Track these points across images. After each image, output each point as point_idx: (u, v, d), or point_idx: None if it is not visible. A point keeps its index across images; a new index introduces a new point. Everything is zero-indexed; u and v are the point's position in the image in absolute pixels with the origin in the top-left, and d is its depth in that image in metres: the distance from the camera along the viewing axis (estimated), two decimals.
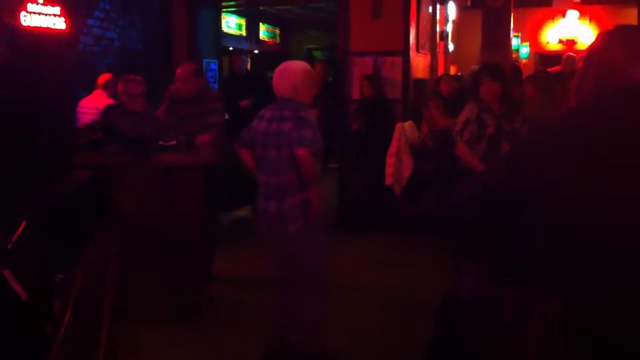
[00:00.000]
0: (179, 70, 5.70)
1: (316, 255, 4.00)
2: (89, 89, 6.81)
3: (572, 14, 12.70)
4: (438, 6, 9.68)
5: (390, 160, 7.26)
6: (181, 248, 4.84)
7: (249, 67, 10.01)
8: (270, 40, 15.05)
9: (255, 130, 4.05)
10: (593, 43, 1.91)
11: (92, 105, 6.43)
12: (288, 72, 4.02)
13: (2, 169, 2.63)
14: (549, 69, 9.71)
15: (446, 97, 7.32)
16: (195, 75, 5.67)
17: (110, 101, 6.37)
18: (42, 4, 6.52)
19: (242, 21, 13.28)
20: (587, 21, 12.71)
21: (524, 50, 13.22)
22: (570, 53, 11.12)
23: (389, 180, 7.27)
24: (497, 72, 4.96)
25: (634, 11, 9.86)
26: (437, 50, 9.77)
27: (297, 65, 4.10)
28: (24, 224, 2.63)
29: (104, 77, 6.80)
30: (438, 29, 9.79)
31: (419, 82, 8.39)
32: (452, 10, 10.83)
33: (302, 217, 3.90)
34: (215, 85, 9.16)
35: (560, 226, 1.70)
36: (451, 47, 10.99)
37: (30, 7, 6.38)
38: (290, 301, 4.07)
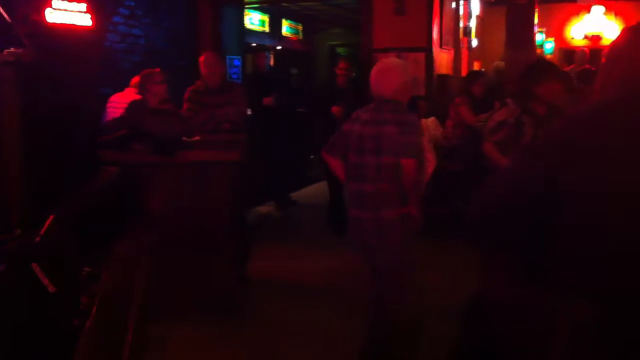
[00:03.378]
0: (203, 58, 5.76)
1: (408, 267, 3.83)
2: (114, 87, 6.85)
3: (598, 10, 12.56)
4: (462, 2, 9.63)
5: None
6: (210, 245, 4.83)
7: (271, 64, 10.03)
8: (293, 36, 15.04)
9: (348, 134, 3.81)
10: (617, 39, 1.89)
11: (122, 100, 6.47)
12: (391, 71, 3.77)
13: (36, 166, 2.68)
14: (566, 68, 9.59)
15: (477, 96, 7.23)
16: (220, 61, 5.77)
17: (137, 97, 6.41)
18: (67, 1, 6.57)
19: (266, 18, 13.29)
20: (613, 17, 12.56)
21: (549, 46, 13.09)
22: (584, 48, 11.02)
23: None
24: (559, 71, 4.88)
25: None
26: (461, 46, 9.72)
27: (398, 64, 3.87)
28: (51, 217, 2.67)
29: (136, 79, 6.86)
30: (461, 24, 9.74)
31: (443, 78, 8.36)
32: (475, 5, 10.76)
33: (400, 230, 3.71)
34: (239, 82, 9.19)
35: (589, 225, 1.69)
36: (475, 43, 10.92)
37: (56, 3, 6.43)
38: (382, 310, 3.91)
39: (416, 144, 3.66)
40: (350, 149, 3.77)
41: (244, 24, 10.28)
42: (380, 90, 3.74)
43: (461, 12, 9.67)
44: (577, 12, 12.91)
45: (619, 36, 1.88)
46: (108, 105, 6.62)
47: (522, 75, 4.80)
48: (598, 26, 12.65)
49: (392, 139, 3.60)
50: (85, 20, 6.79)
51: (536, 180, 1.80)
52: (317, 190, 9.46)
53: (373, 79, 3.78)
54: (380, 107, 3.73)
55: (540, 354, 1.74)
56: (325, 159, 3.97)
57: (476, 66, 10.88)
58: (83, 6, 6.75)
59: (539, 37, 11.55)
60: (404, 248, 3.77)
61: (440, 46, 8.34)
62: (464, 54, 10.09)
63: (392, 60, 3.96)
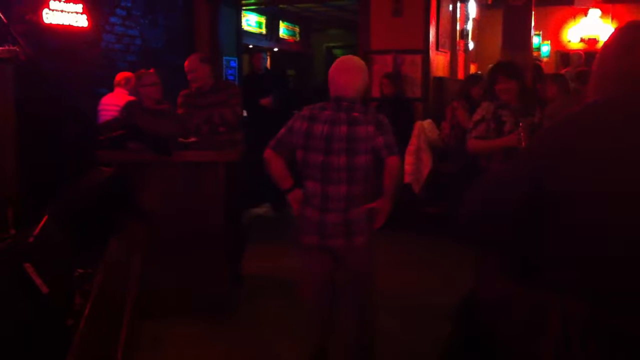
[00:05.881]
0: (186, 63, 5.69)
1: (373, 265, 3.80)
2: (111, 87, 6.85)
3: (594, 13, 12.57)
4: (458, 4, 9.64)
5: (408, 159, 7.24)
6: (204, 245, 4.82)
7: (268, 65, 10.02)
8: (290, 38, 15.04)
9: (304, 133, 3.62)
10: (608, 39, 1.90)
11: (113, 102, 6.48)
12: (355, 70, 3.66)
13: (31, 165, 2.67)
14: (562, 71, 9.63)
15: (474, 99, 7.22)
16: (203, 62, 5.65)
17: (130, 98, 6.40)
18: (64, 2, 6.57)
19: (263, 19, 13.28)
20: (609, 20, 12.58)
21: (545, 48, 13.10)
22: (579, 51, 11.04)
23: (407, 179, 7.25)
24: (511, 70, 4.90)
25: None
26: (457, 48, 9.73)
27: (360, 63, 3.75)
28: (45, 217, 2.66)
29: (122, 75, 6.83)
30: (458, 27, 9.75)
31: (439, 80, 8.36)
32: (472, 8, 10.77)
33: (369, 227, 3.64)
34: (233, 82, 9.18)
35: (586, 225, 1.69)
36: (471, 45, 10.93)
37: (53, 4, 6.44)
38: (348, 313, 3.80)
39: (394, 142, 3.62)
40: (309, 149, 3.60)
41: (241, 26, 10.28)
42: (342, 90, 3.61)
43: (458, 14, 9.68)
44: (573, 15, 12.92)
45: (610, 36, 1.89)
46: (100, 107, 6.62)
47: (489, 76, 5.15)
48: (594, 29, 12.67)
49: (369, 139, 3.53)
50: (81, 21, 6.80)
51: (531, 181, 1.80)
52: None
53: (335, 78, 3.63)
54: (346, 107, 3.59)
55: (531, 352, 1.74)
56: (266, 158, 3.72)
57: (472, 69, 10.90)
58: (80, 7, 6.76)
59: (536, 40, 11.56)
60: (372, 248, 3.73)
61: (437, 48, 8.34)
62: (461, 56, 10.10)
63: (352, 59, 3.81)
